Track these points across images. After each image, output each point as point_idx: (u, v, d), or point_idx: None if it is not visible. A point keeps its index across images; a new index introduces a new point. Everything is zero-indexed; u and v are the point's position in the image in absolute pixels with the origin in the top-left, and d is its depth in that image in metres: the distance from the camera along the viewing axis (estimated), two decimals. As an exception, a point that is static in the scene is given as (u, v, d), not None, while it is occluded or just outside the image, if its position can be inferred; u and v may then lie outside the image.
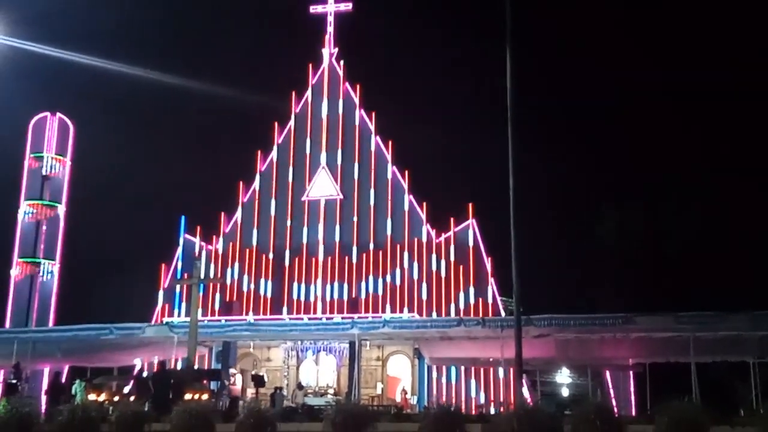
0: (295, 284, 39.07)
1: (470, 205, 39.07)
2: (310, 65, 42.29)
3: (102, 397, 27.17)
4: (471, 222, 38.73)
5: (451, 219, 38.94)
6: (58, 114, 40.96)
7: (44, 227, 39.35)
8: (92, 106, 49.67)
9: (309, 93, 42.04)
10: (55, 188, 40.13)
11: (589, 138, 58.59)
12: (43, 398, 29.12)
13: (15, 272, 38.40)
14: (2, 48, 23.59)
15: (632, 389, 33.07)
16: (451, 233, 38.74)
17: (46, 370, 34.87)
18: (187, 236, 40.50)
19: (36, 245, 39.02)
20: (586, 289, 37.74)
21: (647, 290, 34.35)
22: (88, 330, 29.90)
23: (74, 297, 40.25)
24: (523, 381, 23.48)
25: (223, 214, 40.86)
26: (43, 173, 39.89)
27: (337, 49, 42.59)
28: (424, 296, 37.78)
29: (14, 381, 26.50)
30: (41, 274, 38.72)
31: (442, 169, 52.69)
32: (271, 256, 39.73)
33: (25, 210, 39.19)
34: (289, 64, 47.01)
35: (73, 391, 27.49)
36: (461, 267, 38.06)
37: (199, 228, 40.74)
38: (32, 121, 40.54)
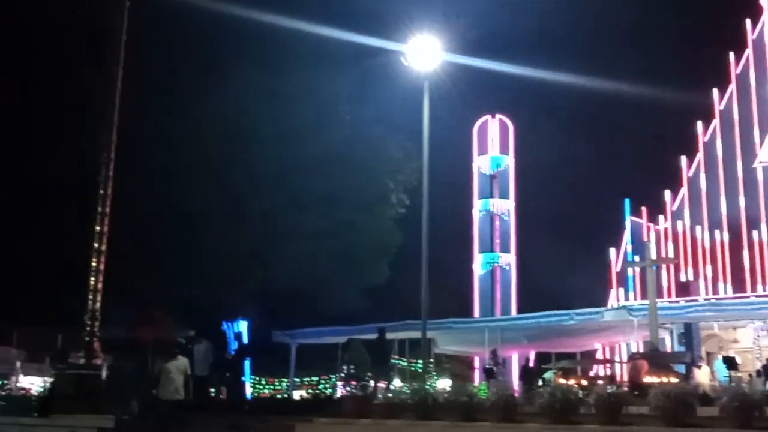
0: (758, 258, 36.24)
1: None
2: (748, 20, 38.98)
3: (571, 381, 28.21)
4: None
5: None
6: (498, 116, 43.45)
7: (497, 222, 42.13)
8: (524, 105, 51.75)
9: (750, 50, 38.74)
10: (503, 185, 42.62)
11: None
12: (515, 383, 31.06)
13: (477, 267, 41.70)
14: (448, 65, 26.04)
15: None
16: None
17: (515, 356, 37.23)
18: (633, 218, 40.06)
19: (492, 240, 41.92)
20: None
21: None
22: (549, 317, 30.85)
23: (531, 285, 42.33)
24: None
25: (668, 192, 39.61)
26: (491, 172, 42.72)
27: (782, -4, 38.72)
28: None
29: (491, 366, 28.66)
30: (500, 266, 41.50)
31: None
32: (725, 230, 37.38)
33: (479, 208, 42.39)
34: (718, 24, 43.83)
35: (543, 375, 28.85)
36: None
37: (644, 209, 40.09)
38: (476, 125, 43.60)
